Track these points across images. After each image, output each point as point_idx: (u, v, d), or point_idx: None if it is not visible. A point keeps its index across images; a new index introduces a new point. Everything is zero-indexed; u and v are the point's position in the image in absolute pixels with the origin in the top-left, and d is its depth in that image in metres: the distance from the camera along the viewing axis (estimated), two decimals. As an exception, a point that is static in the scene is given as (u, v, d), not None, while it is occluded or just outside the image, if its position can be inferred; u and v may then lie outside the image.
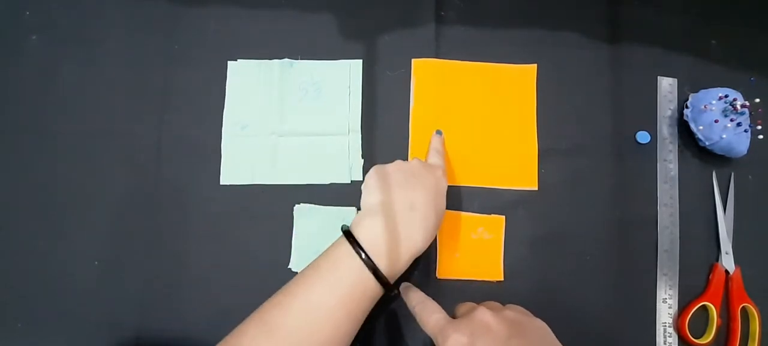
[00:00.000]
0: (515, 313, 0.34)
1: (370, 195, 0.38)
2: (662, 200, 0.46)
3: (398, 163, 0.40)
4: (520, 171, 0.46)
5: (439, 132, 0.45)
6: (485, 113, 0.47)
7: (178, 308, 0.44)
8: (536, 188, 0.45)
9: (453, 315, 0.35)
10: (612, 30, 0.48)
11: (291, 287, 0.35)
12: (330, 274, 0.35)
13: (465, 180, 0.46)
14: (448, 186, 0.45)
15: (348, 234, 0.36)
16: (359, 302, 0.35)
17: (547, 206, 0.45)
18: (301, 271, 0.36)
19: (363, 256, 0.34)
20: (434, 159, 0.42)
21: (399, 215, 0.36)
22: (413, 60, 0.47)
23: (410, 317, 0.37)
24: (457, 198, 0.45)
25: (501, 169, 0.46)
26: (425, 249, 0.37)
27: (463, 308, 0.36)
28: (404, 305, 0.38)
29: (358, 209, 0.45)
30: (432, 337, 0.33)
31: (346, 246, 0.35)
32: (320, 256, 0.37)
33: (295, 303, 0.34)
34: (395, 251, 0.35)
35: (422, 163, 0.40)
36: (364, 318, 0.36)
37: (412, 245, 0.36)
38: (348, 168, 0.45)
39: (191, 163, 0.46)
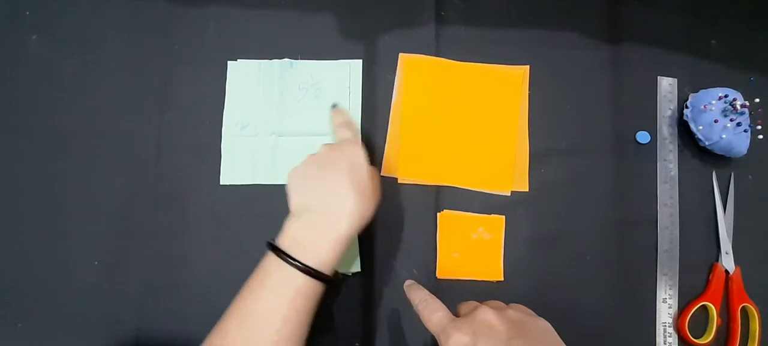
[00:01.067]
0: (518, 312, 0.34)
1: (291, 199, 0.38)
2: (662, 200, 0.46)
3: (307, 158, 0.40)
4: (504, 174, 0.46)
5: (334, 105, 0.45)
6: (473, 114, 0.47)
7: (178, 308, 0.44)
8: (527, 190, 0.45)
9: (456, 314, 0.35)
10: (612, 30, 0.48)
11: (228, 311, 0.36)
12: (260, 286, 0.35)
13: (451, 181, 0.45)
14: (445, 186, 0.45)
15: (270, 245, 0.36)
16: (296, 304, 0.34)
17: (547, 206, 0.45)
18: (237, 294, 0.36)
19: (290, 260, 0.34)
20: (342, 134, 0.42)
21: (318, 208, 0.36)
22: (400, 54, 0.47)
23: (412, 315, 0.37)
24: (456, 198, 0.45)
25: (487, 172, 0.46)
26: (362, 226, 0.37)
27: (465, 306, 0.36)
28: (406, 303, 0.38)
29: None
30: (434, 335, 0.33)
31: (272, 257, 0.35)
32: (251, 275, 0.36)
33: (232, 325, 0.35)
34: (321, 240, 0.35)
35: (329, 146, 0.40)
36: (310, 316, 0.36)
37: (338, 229, 0.35)
38: (348, 168, 0.45)
39: (191, 163, 0.46)
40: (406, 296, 0.38)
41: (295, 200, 0.38)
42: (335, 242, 0.36)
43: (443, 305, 0.35)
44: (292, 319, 0.34)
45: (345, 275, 0.43)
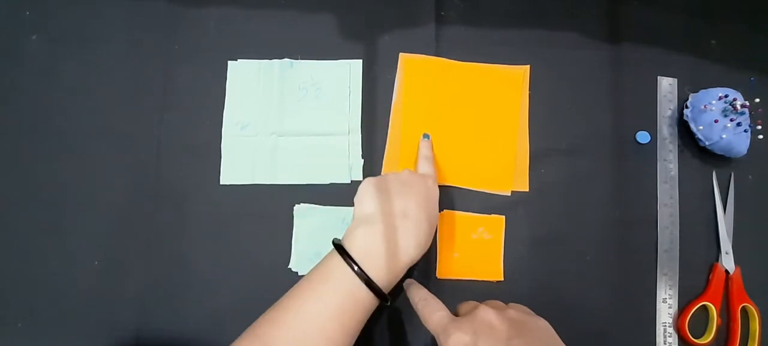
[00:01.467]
0: (518, 312, 0.34)
1: (362, 205, 0.38)
2: (662, 200, 0.46)
3: (390, 173, 0.40)
4: (504, 174, 0.46)
5: (426, 136, 0.45)
6: (473, 114, 0.47)
7: (178, 308, 0.44)
8: (527, 190, 0.45)
9: (455, 313, 0.35)
10: (612, 30, 0.48)
11: (283, 301, 0.35)
12: (322, 286, 0.35)
13: (451, 180, 0.45)
14: (445, 186, 0.45)
15: (339, 247, 0.36)
16: (353, 314, 0.34)
17: (547, 206, 0.45)
18: (294, 286, 0.36)
19: (356, 268, 0.34)
20: (424, 167, 0.42)
21: (392, 223, 0.36)
22: (400, 54, 0.47)
23: (412, 315, 0.37)
24: (456, 198, 0.45)
25: (487, 172, 0.46)
26: (419, 258, 0.37)
27: (465, 306, 0.36)
28: (406, 303, 0.38)
29: (358, 209, 0.45)
30: (434, 335, 0.33)
31: (338, 258, 0.35)
32: (312, 269, 0.36)
33: (288, 317, 0.34)
34: (389, 260, 0.35)
35: (413, 173, 0.40)
36: (359, 329, 0.35)
37: (405, 254, 0.35)
38: (348, 168, 0.45)
39: (191, 163, 0.46)
40: (405, 294, 0.38)
41: (369, 207, 0.37)
42: (400, 265, 0.35)
43: (443, 304, 0.35)
44: (348, 328, 0.34)
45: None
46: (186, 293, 0.44)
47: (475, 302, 0.36)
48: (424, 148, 0.44)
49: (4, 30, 0.48)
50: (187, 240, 0.44)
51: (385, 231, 0.35)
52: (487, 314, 0.32)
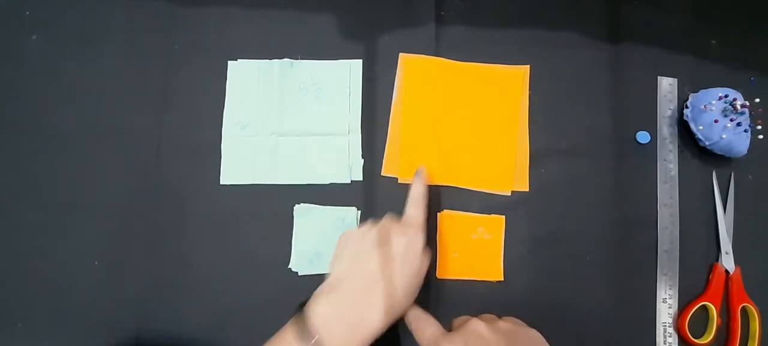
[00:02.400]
0: (509, 324, 0.34)
1: (334, 265, 0.36)
2: (662, 200, 0.46)
3: (366, 227, 0.38)
4: (504, 174, 0.46)
5: (419, 173, 0.43)
6: (473, 114, 0.46)
7: (178, 308, 0.44)
8: (527, 190, 0.45)
9: (449, 329, 0.35)
10: (612, 30, 0.48)
11: None
12: None
13: (451, 180, 0.45)
14: (445, 186, 0.45)
15: (300, 312, 0.34)
16: None
17: (547, 206, 0.45)
18: None
19: (312, 343, 0.32)
20: (412, 211, 0.40)
21: (360, 288, 0.34)
22: (400, 54, 0.47)
23: (406, 331, 0.37)
24: (456, 198, 0.45)
25: (487, 172, 0.46)
26: (392, 323, 0.35)
27: (458, 321, 0.36)
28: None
29: (358, 208, 0.45)
30: None
31: (296, 329, 0.33)
32: (273, 337, 0.35)
33: None
34: (350, 331, 0.33)
35: (394, 224, 0.38)
36: None
37: (369, 325, 0.33)
38: (348, 168, 0.45)
39: (191, 163, 0.46)
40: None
41: (338, 269, 0.36)
42: (365, 336, 0.33)
43: (435, 320, 0.35)
44: None
45: None
46: (186, 293, 0.44)
47: (467, 317, 0.35)
48: (416, 189, 0.41)
49: (4, 30, 0.48)
50: (187, 240, 0.44)
51: (350, 298, 0.34)
52: (478, 326, 0.33)
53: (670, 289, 0.44)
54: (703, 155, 0.46)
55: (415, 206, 0.40)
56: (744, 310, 0.44)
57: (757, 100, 0.45)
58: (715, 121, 0.43)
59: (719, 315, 0.43)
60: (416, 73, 0.47)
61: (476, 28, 0.48)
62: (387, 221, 0.38)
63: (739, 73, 0.47)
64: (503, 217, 0.45)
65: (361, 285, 0.34)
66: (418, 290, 0.37)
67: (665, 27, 0.48)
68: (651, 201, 0.46)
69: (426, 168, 0.44)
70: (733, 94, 0.44)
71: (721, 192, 0.46)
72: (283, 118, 0.46)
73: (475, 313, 0.43)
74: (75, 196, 0.45)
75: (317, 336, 0.32)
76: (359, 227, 0.38)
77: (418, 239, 0.37)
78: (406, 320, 0.37)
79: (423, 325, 0.35)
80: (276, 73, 0.47)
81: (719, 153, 0.45)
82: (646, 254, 0.45)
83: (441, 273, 0.44)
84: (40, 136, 0.46)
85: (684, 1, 0.49)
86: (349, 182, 0.45)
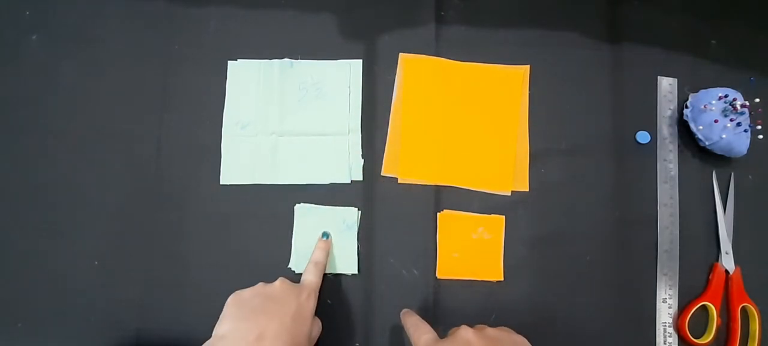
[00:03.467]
0: (496, 331, 0.35)
1: (220, 324, 0.36)
2: (662, 200, 0.46)
3: (258, 286, 0.38)
4: (504, 173, 0.46)
5: (325, 235, 0.43)
6: (473, 114, 0.47)
7: (178, 308, 0.44)
8: (527, 190, 0.45)
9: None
10: (612, 30, 0.48)
11: None
12: None
13: (451, 180, 0.45)
14: (445, 186, 0.45)
15: None
16: None
17: (547, 206, 0.45)
18: None
19: None
20: (308, 275, 0.40)
21: (240, 343, 0.33)
22: (400, 54, 0.47)
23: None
24: (456, 198, 0.45)
25: (487, 172, 0.46)
26: None
27: (452, 329, 0.36)
28: (406, 302, 0.40)
29: (358, 209, 0.45)
30: None
31: None
32: None
33: None
34: None
35: (285, 286, 0.38)
36: None
37: None
38: (348, 168, 0.45)
39: (191, 163, 0.46)
40: (401, 322, 0.39)
41: (223, 328, 0.35)
42: None
43: (431, 328, 0.36)
44: None
45: None
46: (186, 293, 0.44)
47: (462, 325, 0.36)
48: (318, 252, 0.42)
49: (4, 30, 0.48)
50: (187, 240, 0.44)
51: None
52: (467, 333, 0.34)
53: (670, 289, 0.44)
54: (703, 155, 0.46)
55: (312, 273, 0.40)
56: (744, 310, 0.44)
57: (757, 100, 0.45)
58: (715, 121, 0.43)
59: (719, 315, 0.43)
60: (416, 73, 0.47)
61: (476, 28, 0.48)
62: (280, 282, 0.38)
63: (739, 73, 0.47)
64: (503, 217, 0.45)
65: (245, 343, 0.33)
66: None
67: (665, 27, 0.48)
68: (651, 201, 0.46)
69: (330, 239, 0.44)
70: (733, 94, 0.44)
71: (721, 192, 0.46)
72: (283, 118, 0.46)
73: (475, 313, 0.43)
74: (75, 196, 0.45)
75: None
76: (251, 287, 0.38)
77: (309, 302, 0.37)
78: (406, 329, 0.37)
79: (419, 332, 0.36)
80: (276, 73, 0.47)
81: (719, 153, 0.45)
82: (646, 254, 0.45)
83: (441, 273, 0.44)
84: (40, 136, 0.46)
85: (684, 1, 0.49)
86: (349, 181, 0.45)
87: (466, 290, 0.44)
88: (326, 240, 0.43)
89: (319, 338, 0.39)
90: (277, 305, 0.36)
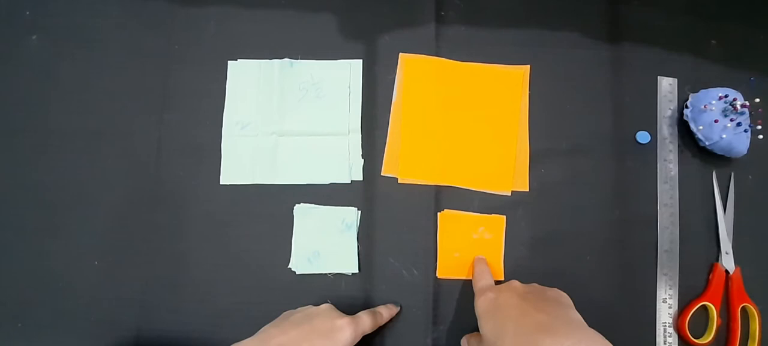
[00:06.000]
0: (540, 286, 0.39)
1: (268, 327, 0.38)
2: (662, 200, 0.46)
3: (308, 306, 0.40)
4: (504, 173, 0.46)
5: (398, 304, 0.43)
6: (473, 114, 0.47)
7: (178, 308, 0.44)
8: (527, 190, 0.45)
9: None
10: (612, 30, 0.48)
11: None
12: None
13: (451, 180, 0.45)
14: (445, 186, 0.45)
15: None
16: None
17: (547, 206, 0.45)
18: None
19: None
20: (363, 314, 0.39)
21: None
22: (400, 54, 0.47)
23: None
24: (456, 198, 0.45)
25: (487, 172, 0.46)
26: None
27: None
28: (406, 303, 0.41)
29: (358, 208, 0.45)
30: (475, 295, 0.39)
31: None
32: None
33: None
34: None
35: (328, 308, 0.39)
36: None
37: None
38: (348, 168, 0.45)
39: (191, 163, 0.46)
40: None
41: (270, 329, 0.37)
42: None
43: (492, 277, 0.41)
44: None
45: None
46: (186, 293, 0.44)
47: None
48: (385, 309, 0.42)
49: (4, 30, 0.48)
50: (187, 240, 0.44)
51: None
52: (515, 283, 0.39)
53: (670, 289, 0.44)
54: (703, 155, 0.46)
55: (368, 314, 0.40)
56: (744, 310, 0.44)
57: (757, 100, 0.45)
58: (715, 121, 0.43)
59: (719, 315, 0.43)
60: (416, 73, 0.47)
61: (476, 28, 0.48)
62: (327, 305, 0.39)
63: (739, 73, 0.47)
64: (503, 217, 0.45)
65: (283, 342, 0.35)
66: None
67: (665, 27, 0.48)
68: (651, 201, 0.46)
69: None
70: (733, 94, 0.44)
71: (721, 192, 0.46)
72: (283, 118, 0.46)
73: (475, 313, 0.43)
74: (75, 196, 0.45)
75: None
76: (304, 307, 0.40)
77: (345, 332, 0.37)
78: (473, 269, 0.43)
79: (480, 277, 0.41)
80: (276, 73, 0.47)
81: (719, 153, 0.45)
82: (646, 254, 0.45)
83: (441, 273, 0.44)
84: (40, 136, 0.46)
85: (684, 1, 0.49)
86: (349, 181, 0.45)
87: (466, 290, 0.44)
88: (396, 308, 0.43)
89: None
90: (311, 321, 0.37)
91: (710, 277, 0.45)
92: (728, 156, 0.45)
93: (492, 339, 0.35)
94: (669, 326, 0.44)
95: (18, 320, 0.44)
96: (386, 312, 0.42)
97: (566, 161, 0.46)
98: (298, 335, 0.36)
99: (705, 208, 0.46)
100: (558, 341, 0.31)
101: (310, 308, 0.39)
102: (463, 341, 0.42)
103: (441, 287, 0.44)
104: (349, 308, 0.43)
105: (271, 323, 0.38)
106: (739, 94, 0.44)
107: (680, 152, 0.46)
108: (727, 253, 0.45)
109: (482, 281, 0.40)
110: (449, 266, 0.44)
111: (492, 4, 0.48)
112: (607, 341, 0.32)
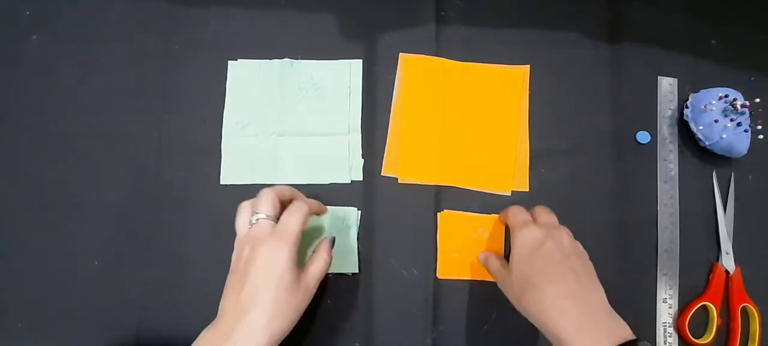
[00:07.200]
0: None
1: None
2: (662, 200, 0.46)
3: (234, 255, 0.38)
4: (504, 173, 0.46)
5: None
6: (473, 114, 0.47)
7: (178, 308, 0.44)
8: (527, 190, 0.45)
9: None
10: (612, 30, 0.48)
11: None
12: None
13: (451, 180, 0.45)
14: (445, 186, 0.45)
15: None
16: None
17: (547, 206, 0.45)
18: None
19: None
20: (287, 220, 0.37)
21: (229, 312, 0.35)
22: (400, 54, 0.47)
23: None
24: (456, 198, 0.45)
25: (487, 172, 0.46)
26: (278, 341, 0.34)
27: (544, 215, 0.40)
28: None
29: (358, 209, 0.45)
30: (512, 230, 0.39)
31: None
32: None
33: None
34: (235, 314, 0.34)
35: (253, 240, 0.36)
36: None
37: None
38: (348, 168, 0.45)
39: (191, 163, 0.46)
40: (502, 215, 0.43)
41: (220, 306, 0.36)
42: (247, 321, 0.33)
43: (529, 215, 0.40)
44: None
45: None
46: (186, 293, 0.44)
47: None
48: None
49: (4, 30, 0.48)
50: (187, 240, 0.44)
51: (226, 324, 0.34)
52: (564, 235, 0.37)
53: (670, 289, 0.44)
54: (703, 155, 0.46)
55: (293, 215, 0.37)
56: (744, 310, 0.44)
57: (757, 100, 0.45)
58: (715, 121, 0.43)
59: (719, 315, 0.43)
60: (416, 73, 0.47)
61: (476, 28, 0.48)
62: (247, 240, 0.37)
63: (739, 73, 0.47)
64: (503, 217, 0.45)
65: (234, 310, 0.35)
66: (301, 303, 0.36)
67: (665, 27, 0.48)
68: (651, 201, 0.46)
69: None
70: (733, 94, 0.44)
71: (721, 192, 0.46)
72: (283, 118, 0.46)
73: (475, 313, 0.43)
74: (75, 196, 0.45)
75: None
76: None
77: (280, 252, 0.35)
78: (506, 211, 0.41)
79: (518, 211, 0.40)
80: (276, 73, 0.47)
81: (719, 153, 0.45)
82: (646, 254, 0.45)
83: (441, 273, 0.44)
84: (40, 136, 0.46)
85: (684, 1, 0.49)
86: (349, 181, 0.45)
87: (466, 290, 0.44)
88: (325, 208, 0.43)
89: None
90: (252, 262, 0.36)
91: (710, 277, 0.45)
92: (728, 156, 0.45)
93: (519, 276, 0.36)
94: (669, 326, 0.44)
95: (18, 320, 0.44)
96: (316, 205, 0.40)
97: (566, 161, 0.46)
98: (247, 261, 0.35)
99: (705, 208, 0.46)
100: (597, 328, 0.32)
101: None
102: (482, 256, 0.42)
103: (441, 287, 0.44)
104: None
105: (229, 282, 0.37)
106: (739, 94, 0.44)
107: (680, 152, 0.46)
108: (727, 253, 0.45)
109: (522, 215, 0.40)
110: (449, 266, 0.44)
111: (492, 4, 0.48)
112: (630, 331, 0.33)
